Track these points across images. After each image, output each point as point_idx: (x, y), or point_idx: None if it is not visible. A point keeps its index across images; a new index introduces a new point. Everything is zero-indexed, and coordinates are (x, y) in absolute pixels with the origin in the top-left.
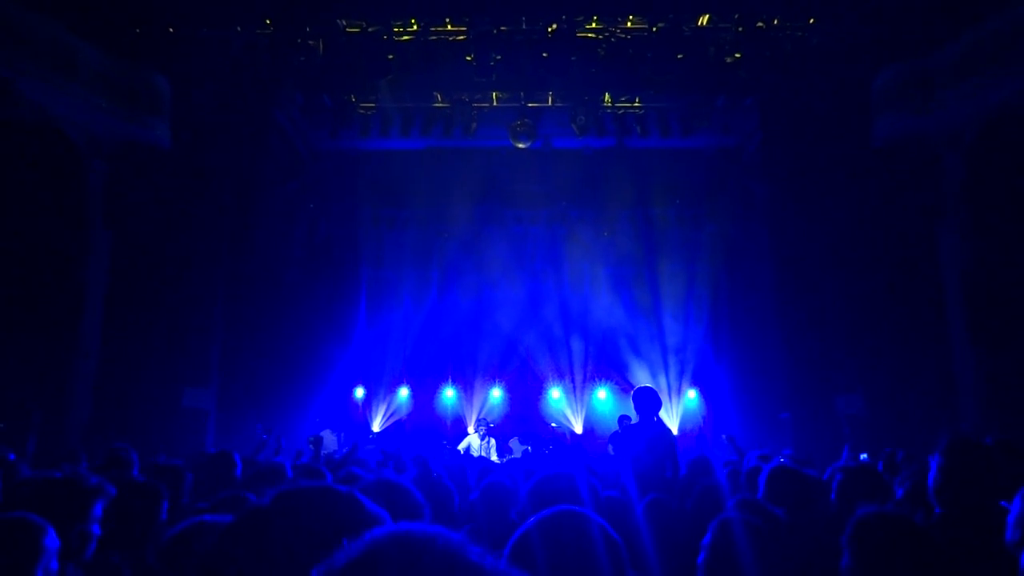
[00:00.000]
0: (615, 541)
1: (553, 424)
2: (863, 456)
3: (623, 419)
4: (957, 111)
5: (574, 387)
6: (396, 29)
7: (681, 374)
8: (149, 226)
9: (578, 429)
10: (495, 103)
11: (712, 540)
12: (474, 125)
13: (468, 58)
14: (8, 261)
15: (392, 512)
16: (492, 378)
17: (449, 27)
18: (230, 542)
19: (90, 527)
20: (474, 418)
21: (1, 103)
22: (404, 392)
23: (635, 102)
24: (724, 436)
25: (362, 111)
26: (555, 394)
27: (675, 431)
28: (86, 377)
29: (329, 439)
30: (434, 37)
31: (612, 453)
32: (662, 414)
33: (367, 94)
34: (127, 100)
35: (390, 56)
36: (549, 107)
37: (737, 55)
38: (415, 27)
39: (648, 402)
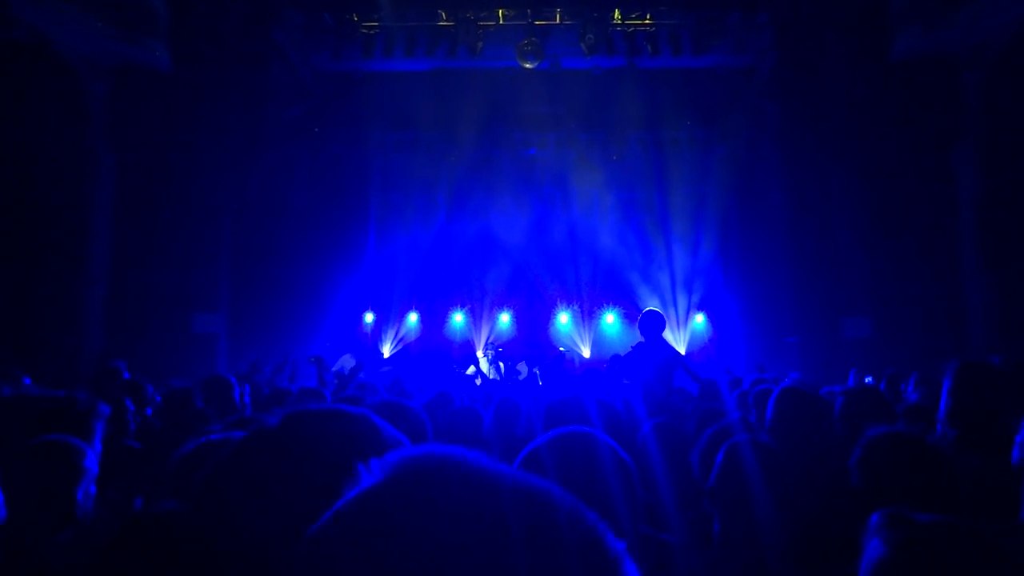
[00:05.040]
0: (624, 460)
1: (561, 348)
2: (867, 379)
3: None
4: (980, 25)
5: (582, 312)
6: None
7: (689, 298)
8: (153, 150)
9: (586, 353)
10: (501, 21)
11: (722, 463)
12: (480, 45)
13: None
14: (13, 189)
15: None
16: (500, 303)
17: None
18: (235, 462)
19: (94, 447)
20: (482, 343)
21: None
22: (413, 317)
23: (646, 19)
24: (724, 369)
25: (365, 30)
26: (563, 319)
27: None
28: (96, 304)
29: (348, 363)
30: None
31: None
32: (668, 336)
33: (369, 12)
34: (123, 20)
35: None
36: (557, 25)
37: None
38: None
39: (651, 324)
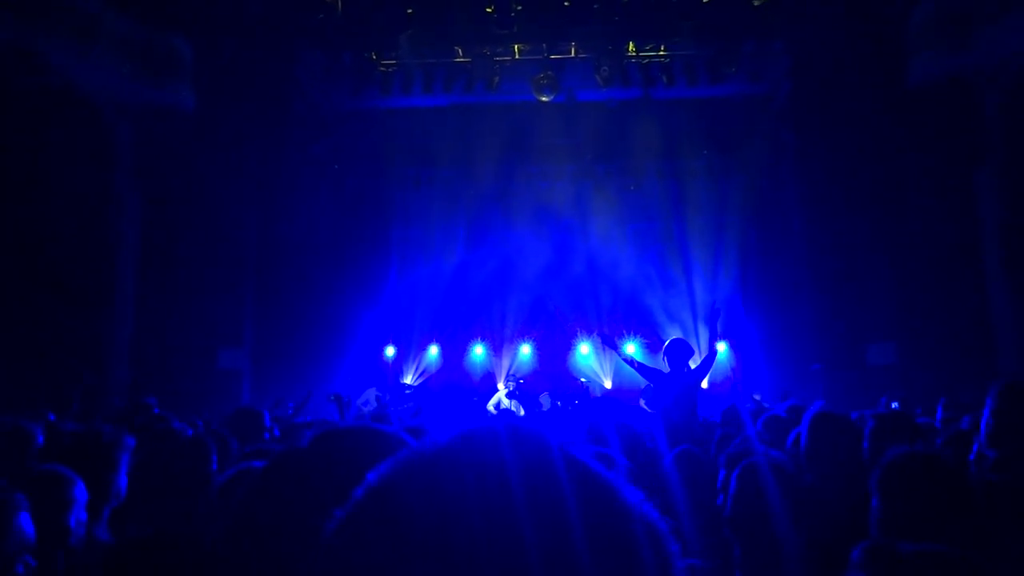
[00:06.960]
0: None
1: (583, 379)
2: (894, 405)
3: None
4: (997, 48)
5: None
6: None
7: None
8: (177, 190)
9: (607, 384)
10: (517, 56)
11: (738, 484)
12: (496, 79)
13: (488, 9)
14: (42, 228)
15: None
16: (521, 334)
17: None
18: (268, 483)
19: (118, 478)
20: (503, 375)
21: (26, 70)
22: (434, 350)
23: (660, 50)
24: (752, 396)
25: (383, 68)
26: (584, 349)
27: (705, 384)
28: (122, 340)
29: (373, 397)
30: None
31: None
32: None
33: (387, 51)
34: (150, 64)
35: (409, 10)
36: (572, 58)
37: None
38: None
39: (678, 353)
